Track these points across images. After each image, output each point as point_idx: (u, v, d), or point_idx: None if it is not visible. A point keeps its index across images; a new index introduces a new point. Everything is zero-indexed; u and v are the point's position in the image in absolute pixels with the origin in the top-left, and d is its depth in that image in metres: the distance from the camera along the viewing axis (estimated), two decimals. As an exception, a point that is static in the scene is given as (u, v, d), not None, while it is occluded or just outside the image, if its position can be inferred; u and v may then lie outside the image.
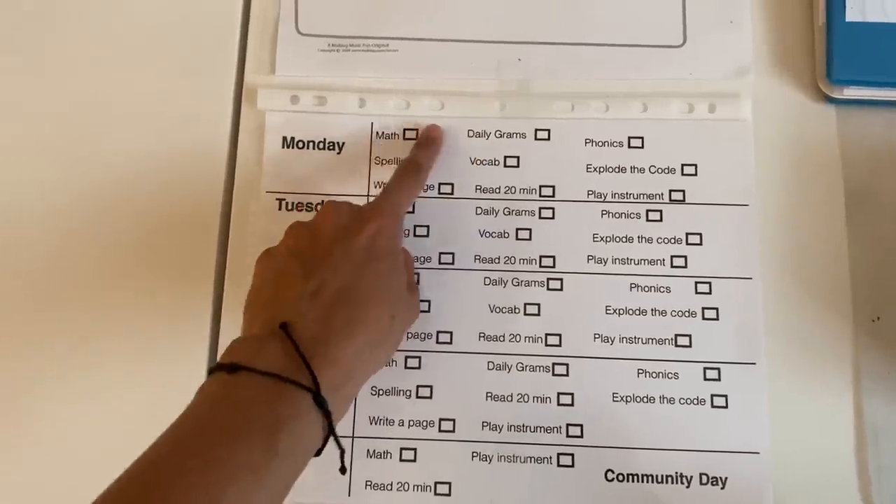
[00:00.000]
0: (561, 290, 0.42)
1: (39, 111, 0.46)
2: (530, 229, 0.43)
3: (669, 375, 0.41)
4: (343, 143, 0.45)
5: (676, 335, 0.41)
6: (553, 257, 0.42)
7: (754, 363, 0.41)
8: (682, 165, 0.43)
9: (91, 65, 0.46)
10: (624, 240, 0.42)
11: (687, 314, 0.41)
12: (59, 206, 0.44)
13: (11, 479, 0.42)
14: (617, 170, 0.43)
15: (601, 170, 0.43)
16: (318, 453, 0.32)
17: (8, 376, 0.43)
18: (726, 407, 0.40)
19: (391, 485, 0.40)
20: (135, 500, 0.27)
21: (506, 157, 0.44)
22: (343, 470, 0.34)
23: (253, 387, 0.30)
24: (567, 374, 0.41)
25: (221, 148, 0.45)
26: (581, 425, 0.40)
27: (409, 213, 0.43)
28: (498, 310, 0.42)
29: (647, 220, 0.43)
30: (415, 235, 0.43)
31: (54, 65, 0.46)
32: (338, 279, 0.34)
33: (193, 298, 0.43)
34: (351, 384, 0.34)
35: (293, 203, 0.44)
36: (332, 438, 0.32)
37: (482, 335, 0.42)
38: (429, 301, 0.42)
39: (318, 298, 0.33)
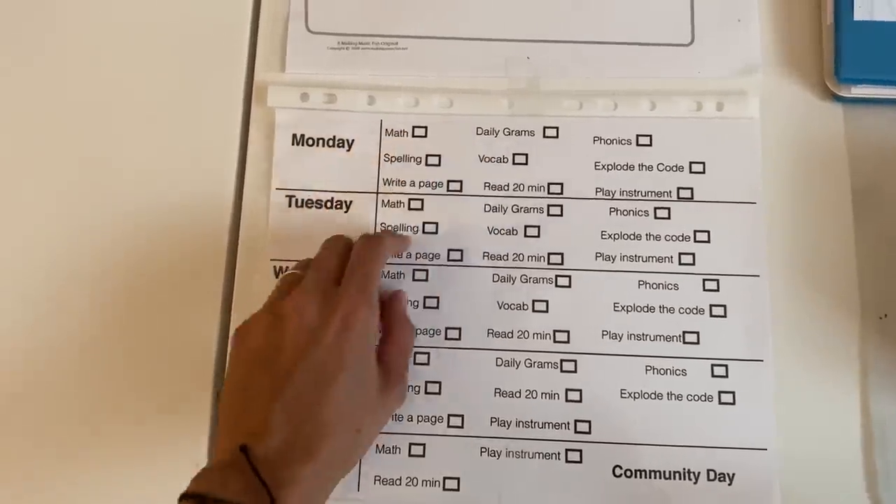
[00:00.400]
0: (569, 286, 0.42)
1: (45, 109, 0.46)
2: (539, 226, 0.43)
3: (677, 372, 0.41)
4: (352, 141, 0.45)
5: (684, 332, 0.41)
6: (561, 254, 0.43)
7: (762, 360, 0.41)
8: (690, 163, 0.43)
9: (101, 63, 0.47)
10: (632, 237, 0.43)
11: (695, 311, 0.42)
12: (68, 204, 0.45)
13: None
14: (625, 167, 0.44)
15: (609, 167, 0.44)
16: None
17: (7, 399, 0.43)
18: (734, 403, 0.40)
19: (400, 479, 0.40)
20: None
21: (514, 154, 0.44)
22: None
23: None
24: (575, 371, 0.41)
25: (232, 145, 0.45)
26: (589, 421, 0.41)
27: (417, 210, 0.44)
28: (506, 306, 0.42)
29: (656, 217, 0.43)
30: (424, 232, 0.43)
31: (62, 63, 0.47)
32: (301, 399, 0.34)
33: (203, 295, 0.43)
34: (318, 499, 0.35)
35: (303, 200, 0.44)
36: None
37: (491, 332, 0.42)
38: (437, 297, 0.42)
39: (280, 421, 0.33)
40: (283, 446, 0.33)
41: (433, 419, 0.41)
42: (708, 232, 0.43)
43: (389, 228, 0.43)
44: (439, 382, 0.41)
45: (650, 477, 0.40)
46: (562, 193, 0.43)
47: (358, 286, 0.37)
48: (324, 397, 0.34)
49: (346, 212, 0.44)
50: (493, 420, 0.41)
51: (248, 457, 0.32)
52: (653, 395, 0.41)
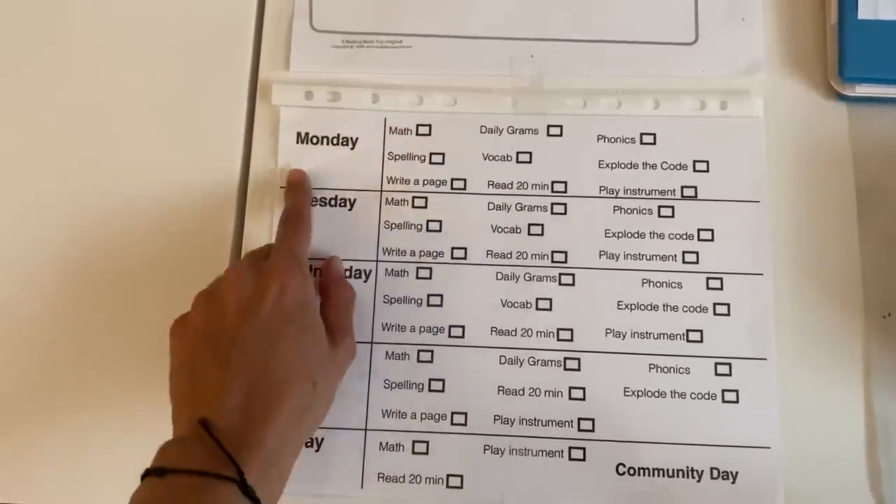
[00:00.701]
0: (573, 285, 0.42)
1: (50, 106, 0.46)
2: (542, 225, 0.43)
3: (681, 370, 0.41)
4: (356, 139, 0.45)
5: (688, 330, 0.41)
6: (565, 253, 0.43)
7: (765, 359, 0.41)
8: (694, 162, 0.43)
9: (106, 61, 0.47)
10: (636, 235, 0.43)
11: (698, 310, 0.42)
12: (74, 203, 0.45)
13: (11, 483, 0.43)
14: (629, 166, 0.44)
15: (613, 166, 0.44)
16: None
17: (16, 386, 0.43)
18: (737, 402, 0.40)
19: (403, 477, 0.41)
20: None
21: (518, 152, 0.44)
22: None
23: (183, 487, 0.31)
24: (579, 369, 0.41)
25: (236, 143, 0.45)
26: (592, 419, 0.41)
27: (421, 208, 0.44)
28: (510, 304, 0.42)
29: (659, 216, 0.43)
30: (427, 230, 0.43)
31: (67, 61, 0.47)
32: (250, 361, 0.34)
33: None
34: (281, 463, 0.34)
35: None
36: None
37: (494, 329, 0.42)
38: (441, 295, 0.43)
39: (233, 387, 0.34)
40: (239, 412, 0.33)
41: (437, 417, 0.41)
42: (712, 230, 0.43)
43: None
44: (443, 380, 0.42)
45: (653, 475, 0.40)
46: (565, 192, 0.43)
47: (287, 255, 0.38)
48: (272, 356, 0.35)
49: (350, 209, 0.44)
50: (497, 418, 0.41)
51: (206, 425, 0.32)
52: (656, 394, 0.41)
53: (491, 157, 0.44)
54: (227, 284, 0.37)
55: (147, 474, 0.32)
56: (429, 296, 0.43)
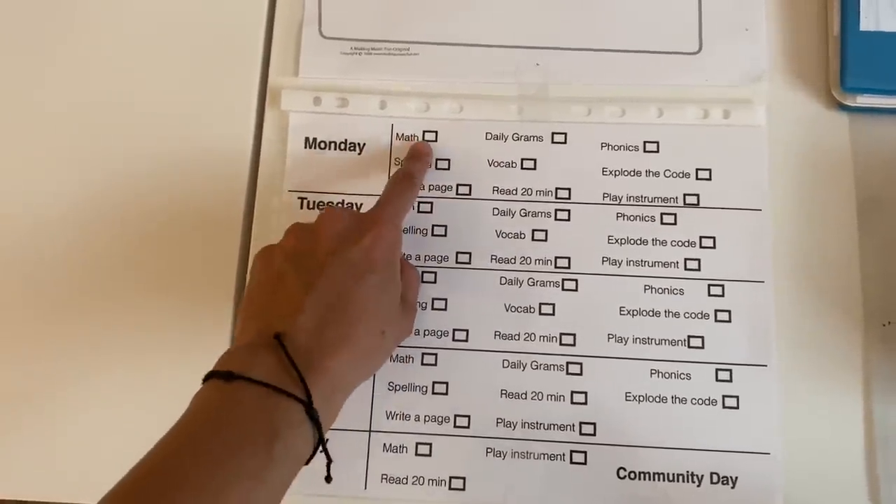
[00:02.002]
0: (576, 290, 0.43)
1: (64, 111, 0.47)
2: (546, 230, 0.44)
3: (682, 376, 0.41)
4: (364, 144, 0.46)
5: (689, 336, 0.42)
6: (568, 258, 0.43)
7: (766, 365, 0.41)
8: (697, 170, 0.44)
9: (118, 66, 0.47)
10: (638, 242, 0.43)
11: (700, 316, 0.42)
12: (83, 206, 0.46)
13: (26, 474, 0.43)
14: (632, 173, 0.44)
15: (616, 173, 0.44)
16: (308, 462, 0.33)
17: (27, 374, 0.44)
18: (738, 408, 0.41)
19: (406, 478, 0.41)
20: (142, 500, 0.29)
21: (523, 159, 0.45)
22: (328, 479, 0.35)
23: (249, 396, 0.31)
24: (581, 374, 0.42)
25: (245, 147, 0.46)
26: (594, 424, 0.41)
27: (427, 212, 0.44)
28: (513, 309, 0.43)
29: (662, 223, 0.43)
30: (433, 235, 0.44)
31: (79, 66, 0.48)
32: (332, 291, 0.35)
33: (216, 295, 0.44)
34: (339, 395, 0.35)
35: (315, 202, 0.45)
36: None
37: (497, 334, 0.42)
38: (445, 299, 0.43)
39: (312, 310, 0.34)
40: (314, 334, 0.33)
41: (440, 419, 0.42)
42: (714, 238, 0.43)
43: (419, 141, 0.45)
44: (446, 383, 0.42)
45: (654, 479, 0.40)
46: (569, 198, 0.44)
47: (389, 212, 0.39)
48: (354, 292, 0.35)
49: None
50: (499, 421, 0.41)
51: (282, 342, 0.32)
52: (657, 399, 0.41)
53: (496, 164, 0.45)
54: (324, 219, 0.37)
55: (212, 376, 0.32)
56: (433, 299, 0.43)
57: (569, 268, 0.43)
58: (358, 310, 0.35)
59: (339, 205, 0.45)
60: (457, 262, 0.44)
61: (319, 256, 0.36)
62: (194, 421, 0.31)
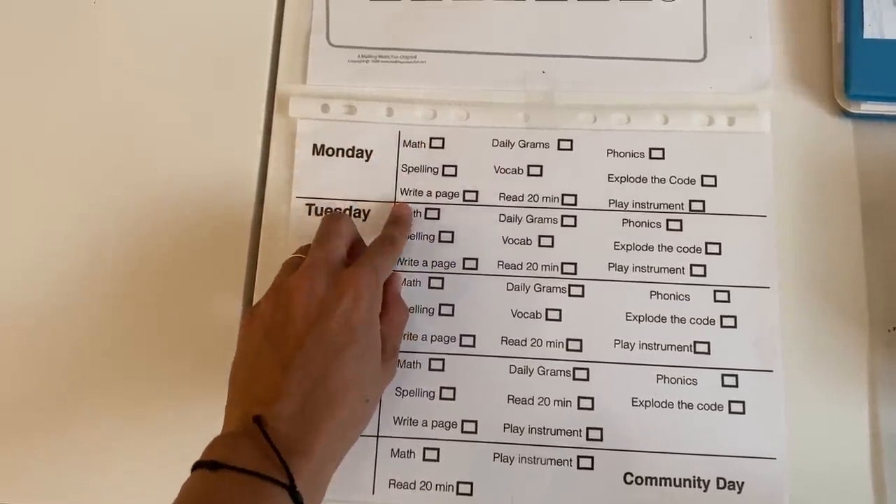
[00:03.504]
0: (582, 296, 0.43)
1: (73, 119, 0.47)
2: (553, 237, 0.44)
3: (688, 381, 0.42)
4: (371, 151, 0.46)
5: (695, 342, 0.42)
6: (575, 264, 0.43)
7: (771, 371, 0.41)
8: (702, 176, 0.44)
9: (126, 74, 0.48)
10: (644, 248, 0.43)
11: (706, 322, 0.42)
12: (91, 213, 0.46)
13: (34, 482, 0.43)
14: (638, 180, 0.44)
15: (622, 179, 0.44)
16: None
17: (34, 385, 0.44)
18: (744, 413, 0.41)
19: (414, 483, 0.41)
20: None
21: (529, 166, 0.45)
22: None
23: (234, 484, 0.32)
24: (587, 379, 0.42)
25: (254, 154, 0.46)
26: (601, 429, 0.41)
27: (434, 219, 0.45)
28: (520, 315, 0.43)
29: (668, 229, 0.44)
30: (440, 241, 0.44)
31: (88, 75, 0.48)
32: (310, 370, 0.35)
33: (225, 299, 0.44)
34: (326, 471, 0.35)
35: (322, 208, 0.45)
36: None
37: (504, 339, 0.43)
38: (452, 305, 0.43)
39: (291, 393, 0.34)
40: (294, 416, 0.34)
41: (447, 424, 0.42)
42: (719, 244, 0.43)
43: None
44: (454, 388, 0.42)
45: (661, 484, 0.41)
46: (575, 205, 0.44)
47: (369, 269, 0.38)
48: (333, 367, 0.35)
49: (364, 220, 0.45)
50: (507, 426, 0.42)
51: (262, 426, 0.33)
52: (664, 404, 0.41)
53: (502, 170, 0.45)
54: (299, 285, 0.36)
55: (198, 466, 0.32)
56: (440, 305, 0.43)
57: (575, 274, 0.43)
58: (339, 386, 0.35)
59: (347, 212, 0.45)
60: (464, 268, 0.44)
61: (297, 329, 0.36)
62: None
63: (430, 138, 0.46)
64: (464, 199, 0.45)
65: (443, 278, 0.44)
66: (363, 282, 0.37)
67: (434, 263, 0.44)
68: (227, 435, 0.34)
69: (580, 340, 0.42)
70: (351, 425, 0.36)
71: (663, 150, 0.45)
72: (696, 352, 0.42)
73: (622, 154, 0.45)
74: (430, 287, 0.44)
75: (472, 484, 0.41)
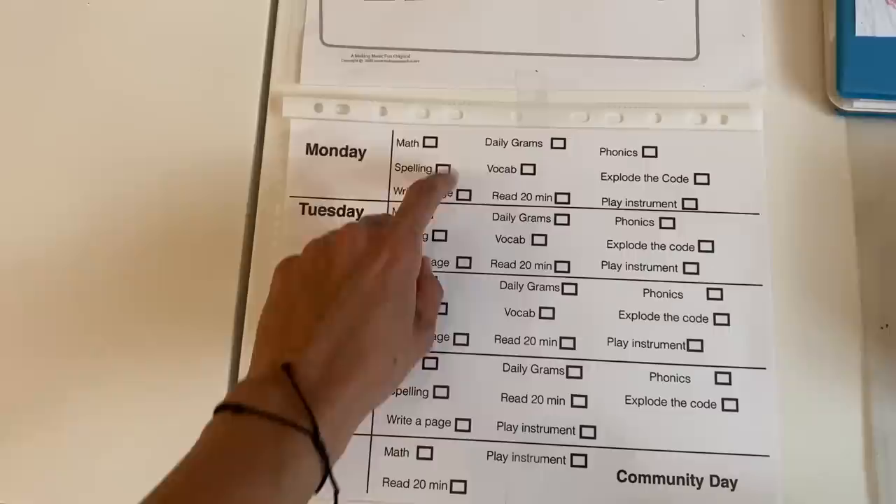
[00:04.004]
0: (575, 294, 0.43)
1: (67, 117, 0.47)
2: (546, 235, 0.44)
3: (681, 379, 0.42)
4: (365, 150, 0.46)
5: (688, 340, 0.42)
6: (568, 262, 0.44)
7: (765, 368, 0.41)
8: (695, 174, 0.44)
9: (120, 74, 0.48)
10: (637, 246, 0.43)
11: (699, 319, 0.42)
12: (84, 213, 0.46)
13: (32, 491, 0.43)
14: (631, 178, 0.44)
15: (615, 178, 0.45)
16: (317, 491, 0.33)
17: (27, 382, 0.44)
18: (737, 410, 0.41)
19: (408, 482, 0.41)
20: None
21: (522, 164, 0.45)
22: None
23: (257, 428, 0.32)
24: (581, 377, 0.42)
25: (247, 154, 0.46)
26: (594, 427, 0.41)
27: (427, 218, 0.45)
28: (513, 313, 0.43)
29: (661, 227, 0.44)
30: (433, 240, 0.44)
31: (82, 74, 0.48)
32: (345, 320, 0.35)
33: (218, 300, 0.44)
34: (349, 424, 0.35)
35: (316, 207, 0.45)
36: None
37: (498, 337, 0.43)
38: (446, 304, 0.43)
39: (322, 341, 0.34)
40: (323, 365, 0.34)
41: (441, 423, 0.42)
42: (712, 242, 0.43)
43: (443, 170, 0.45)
44: (447, 387, 0.42)
45: (654, 482, 0.41)
46: (569, 203, 0.44)
47: (408, 227, 0.38)
48: (366, 322, 0.35)
49: (358, 219, 0.45)
50: (500, 424, 0.42)
51: (290, 374, 0.33)
52: (657, 402, 0.41)
53: (496, 169, 0.45)
54: (341, 239, 0.37)
55: (223, 409, 0.32)
56: (434, 304, 0.43)
57: (568, 272, 0.43)
58: (369, 341, 0.35)
59: (340, 211, 0.45)
60: (457, 267, 0.44)
61: (333, 281, 0.36)
62: (203, 453, 0.32)
63: (424, 137, 0.46)
64: (457, 198, 0.45)
65: (436, 277, 0.44)
66: (402, 245, 0.37)
67: (427, 262, 0.44)
68: (254, 380, 0.34)
69: (573, 339, 0.42)
70: (377, 382, 0.36)
71: (656, 148, 0.45)
72: (689, 349, 0.42)
73: (615, 152, 0.45)
74: (423, 286, 0.44)
75: (465, 482, 0.41)
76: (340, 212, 0.45)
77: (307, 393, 0.32)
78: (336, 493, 0.34)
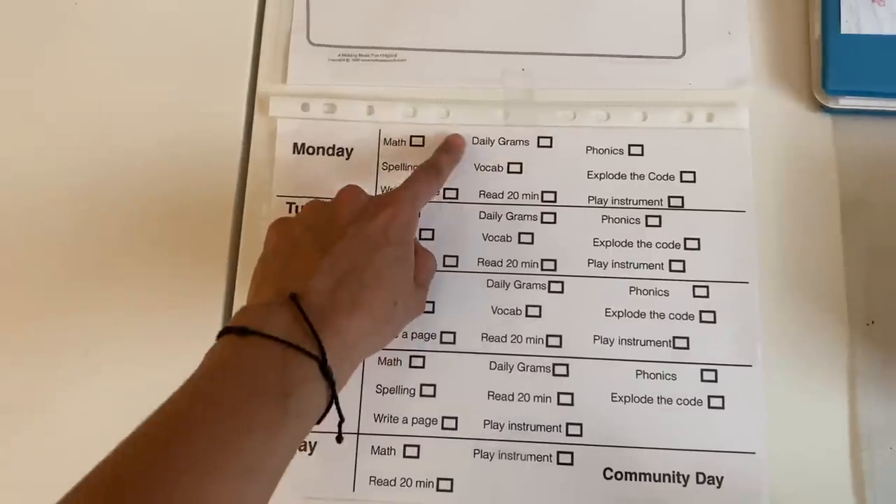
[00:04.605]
0: (562, 292, 0.43)
1: (54, 117, 0.48)
2: (532, 233, 0.44)
3: (667, 376, 0.42)
4: (352, 149, 0.46)
5: (674, 337, 0.42)
6: (554, 261, 0.44)
7: (751, 365, 0.41)
8: (681, 172, 0.44)
9: (107, 73, 0.48)
10: (624, 244, 0.44)
11: (685, 317, 0.42)
12: (71, 213, 0.46)
13: (29, 459, 0.43)
14: (617, 176, 0.45)
15: (602, 176, 0.45)
16: (320, 420, 0.33)
17: (25, 363, 0.44)
18: (723, 408, 0.41)
19: (395, 480, 0.41)
20: (160, 445, 0.29)
21: (509, 163, 0.45)
22: (339, 439, 0.35)
23: (263, 351, 0.31)
24: (567, 375, 0.42)
25: (234, 153, 0.46)
26: (581, 424, 0.41)
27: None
28: (500, 311, 0.43)
29: (647, 225, 0.44)
30: (420, 238, 0.44)
31: (70, 72, 0.48)
32: (349, 257, 0.35)
33: (205, 299, 0.44)
34: (351, 358, 0.35)
35: (303, 206, 0.45)
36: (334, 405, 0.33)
37: (485, 336, 0.43)
38: (433, 302, 0.43)
39: (327, 272, 0.34)
40: (328, 295, 0.34)
41: (427, 421, 0.42)
42: (698, 240, 0.43)
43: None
44: (434, 385, 0.42)
45: (640, 479, 0.41)
46: (555, 201, 0.44)
47: (408, 195, 0.39)
48: (369, 261, 0.35)
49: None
50: (487, 422, 0.42)
51: (297, 301, 0.33)
52: (643, 399, 0.41)
53: (483, 168, 0.45)
54: (343, 195, 0.38)
55: (228, 332, 0.32)
56: (421, 302, 0.43)
57: (555, 270, 0.43)
58: (372, 277, 0.35)
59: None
60: (444, 266, 0.44)
61: (337, 226, 0.37)
62: (208, 373, 0.31)
63: (411, 136, 0.46)
64: (444, 197, 0.45)
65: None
66: (401, 202, 0.38)
67: (414, 261, 0.44)
68: (260, 304, 0.34)
69: (560, 336, 0.43)
70: (377, 322, 0.36)
71: (642, 146, 0.45)
72: (675, 347, 0.42)
73: (601, 151, 0.45)
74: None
75: (452, 480, 0.41)
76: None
77: (313, 320, 0.32)
78: (340, 422, 0.34)
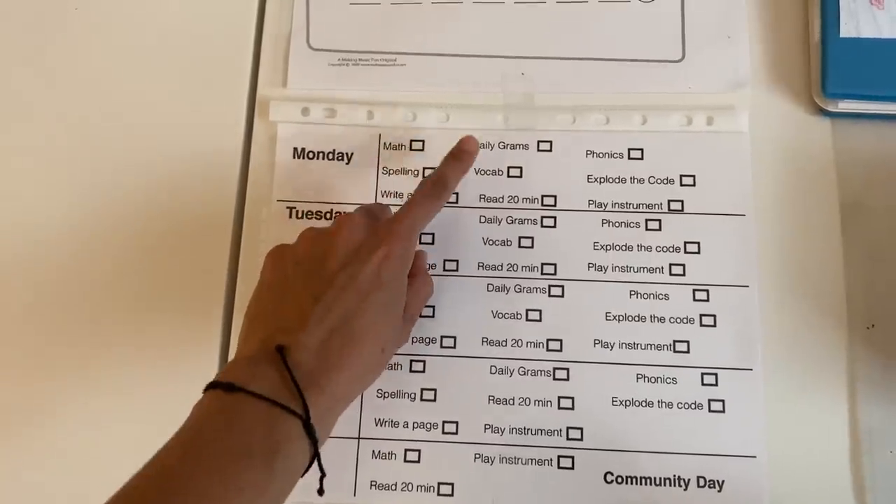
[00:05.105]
0: (562, 296, 0.43)
1: (59, 121, 0.48)
2: (532, 237, 0.44)
3: (668, 380, 0.42)
4: (351, 154, 0.46)
5: (675, 341, 0.42)
6: (554, 265, 0.44)
7: (751, 369, 0.41)
8: (681, 176, 0.44)
9: (108, 78, 0.48)
10: (624, 248, 0.44)
11: (685, 321, 0.42)
12: (72, 218, 0.46)
13: (23, 481, 0.43)
14: (617, 180, 0.45)
15: (602, 180, 0.45)
16: (303, 475, 0.33)
17: (22, 377, 0.44)
18: (723, 411, 0.41)
19: (395, 485, 0.41)
20: (151, 503, 0.29)
21: (509, 167, 0.45)
22: (321, 492, 0.35)
23: (250, 408, 0.32)
24: (567, 379, 0.42)
25: (235, 158, 0.46)
26: (581, 428, 0.41)
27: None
28: (500, 315, 0.43)
29: (647, 229, 0.44)
30: (420, 243, 0.44)
31: (71, 78, 0.48)
32: (338, 309, 0.35)
33: (205, 303, 0.44)
34: (336, 410, 0.35)
35: (303, 211, 0.45)
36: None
37: (485, 340, 0.43)
38: (433, 306, 0.43)
39: (316, 326, 0.34)
40: (317, 350, 0.34)
41: (428, 426, 0.42)
42: (698, 243, 0.43)
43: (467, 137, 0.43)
44: (434, 390, 0.42)
45: (641, 483, 0.41)
46: (555, 205, 0.44)
47: (407, 226, 0.38)
48: (359, 309, 0.35)
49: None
50: (487, 427, 0.42)
51: (283, 355, 0.33)
52: (644, 403, 0.41)
53: (482, 172, 0.45)
54: (339, 227, 0.37)
55: (214, 386, 0.32)
56: (421, 307, 0.43)
57: (555, 274, 0.43)
58: (362, 329, 0.35)
59: (327, 215, 0.45)
60: (444, 270, 0.44)
61: (330, 268, 0.36)
62: (197, 429, 0.31)
63: (411, 141, 0.46)
64: (444, 201, 0.45)
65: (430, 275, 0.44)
66: (398, 239, 0.37)
67: (414, 265, 0.44)
68: (247, 359, 0.34)
69: (560, 340, 0.43)
70: (364, 371, 0.36)
71: (642, 150, 0.45)
72: (675, 351, 0.42)
73: (601, 155, 0.45)
74: (410, 289, 0.44)
75: (452, 485, 0.41)
76: (328, 215, 0.45)
77: (300, 377, 0.32)
78: (322, 477, 0.34)
